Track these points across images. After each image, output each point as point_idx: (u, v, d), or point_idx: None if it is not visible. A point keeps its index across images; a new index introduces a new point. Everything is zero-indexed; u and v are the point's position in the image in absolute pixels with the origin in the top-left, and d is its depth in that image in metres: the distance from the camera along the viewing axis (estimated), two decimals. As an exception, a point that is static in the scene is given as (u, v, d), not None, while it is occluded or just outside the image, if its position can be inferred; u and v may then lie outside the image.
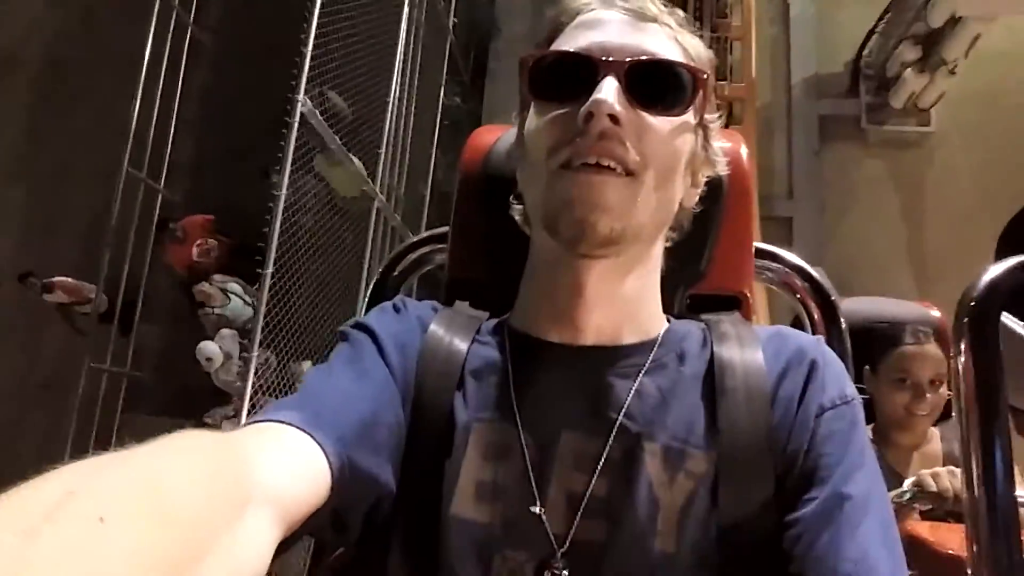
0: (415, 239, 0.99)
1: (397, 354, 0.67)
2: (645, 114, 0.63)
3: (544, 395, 0.66)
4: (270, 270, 3.21)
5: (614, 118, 0.60)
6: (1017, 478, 0.85)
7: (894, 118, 4.10)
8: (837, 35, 4.35)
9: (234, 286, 4.52)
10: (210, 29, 3.85)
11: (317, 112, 3.31)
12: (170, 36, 3.74)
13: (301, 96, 3.16)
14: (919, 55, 3.79)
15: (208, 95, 4.22)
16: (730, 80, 4.46)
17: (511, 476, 0.62)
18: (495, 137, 0.84)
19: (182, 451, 0.42)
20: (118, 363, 4.87)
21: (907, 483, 1.34)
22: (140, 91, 3.49)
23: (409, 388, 0.66)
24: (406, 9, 4.27)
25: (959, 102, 3.85)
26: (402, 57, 4.28)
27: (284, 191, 3.16)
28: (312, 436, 0.54)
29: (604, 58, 0.63)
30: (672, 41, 0.67)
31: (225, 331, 4.27)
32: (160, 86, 3.68)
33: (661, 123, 0.63)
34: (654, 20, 0.67)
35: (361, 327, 0.69)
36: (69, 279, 4.61)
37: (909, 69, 3.86)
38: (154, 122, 3.86)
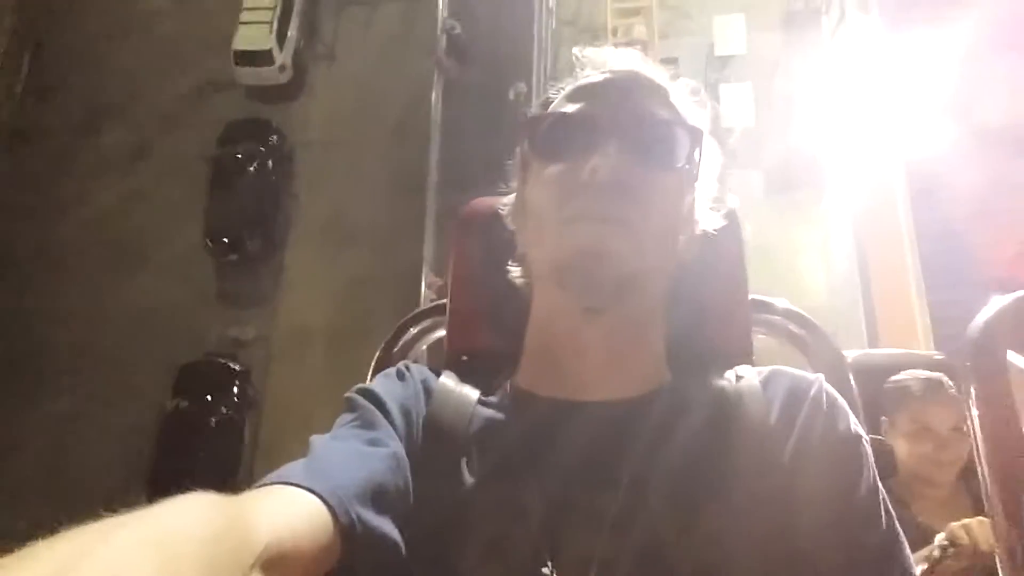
0: (416, 312, 1.00)
1: (402, 419, 0.66)
2: (645, 170, 0.65)
3: (551, 454, 0.65)
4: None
5: (616, 174, 0.63)
6: None
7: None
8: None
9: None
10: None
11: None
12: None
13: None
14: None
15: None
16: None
17: (521, 537, 0.61)
18: (489, 207, 0.86)
19: (190, 513, 0.42)
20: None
21: (938, 538, 1.28)
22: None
23: (415, 453, 0.65)
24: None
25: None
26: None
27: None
28: (320, 496, 0.54)
29: (605, 118, 0.66)
30: (668, 101, 0.70)
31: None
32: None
33: (660, 178, 0.66)
34: (650, 82, 0.70)
35: (366, 393, 0.68)
36: None
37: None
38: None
